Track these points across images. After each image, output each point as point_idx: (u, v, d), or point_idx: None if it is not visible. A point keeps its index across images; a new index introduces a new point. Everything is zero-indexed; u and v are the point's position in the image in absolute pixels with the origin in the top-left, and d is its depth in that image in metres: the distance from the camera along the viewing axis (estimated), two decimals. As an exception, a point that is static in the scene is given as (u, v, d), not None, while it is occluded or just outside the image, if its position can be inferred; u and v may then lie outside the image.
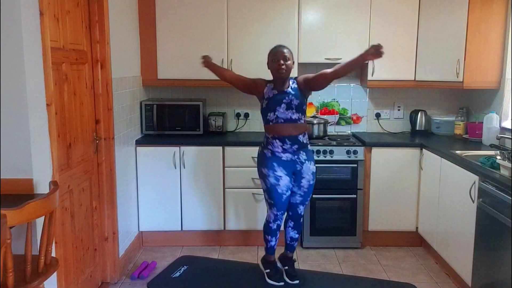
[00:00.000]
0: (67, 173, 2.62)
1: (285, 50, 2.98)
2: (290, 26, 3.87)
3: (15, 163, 2.13)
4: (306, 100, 3.10)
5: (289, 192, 3.10)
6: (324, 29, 3.88)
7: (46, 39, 2.22)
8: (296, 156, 3.05)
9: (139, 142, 3.79)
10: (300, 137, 3.04)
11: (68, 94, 2.60)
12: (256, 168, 3.73)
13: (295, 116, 3.00)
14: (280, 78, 2.99)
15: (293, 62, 3.04)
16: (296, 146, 3.03)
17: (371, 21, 3.87)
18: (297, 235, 3.27)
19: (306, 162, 3.08)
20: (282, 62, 2.94)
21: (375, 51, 2.73)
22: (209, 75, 3.89)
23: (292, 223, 3.23)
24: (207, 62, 3.23)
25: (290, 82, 3.05)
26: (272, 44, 3.82)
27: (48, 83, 2.24)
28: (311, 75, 3.03)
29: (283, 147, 3.02)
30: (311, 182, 3.14)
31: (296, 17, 3.86)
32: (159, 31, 3.87)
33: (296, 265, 3.40)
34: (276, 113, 2.99)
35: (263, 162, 3.10)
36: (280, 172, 3.04)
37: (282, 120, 3.00)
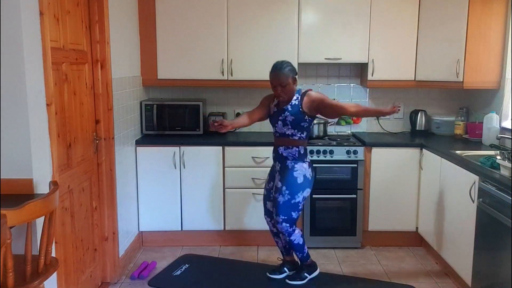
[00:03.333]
0: (67, 173, 2.62)
1: (281, 75, 2.94)
2: (290, 26, 3.86)
3: (15, 163, 2.13)
4: (308, 117, 3.04)
5: (271, 197, 3.20)
6: (324, 29, 3.88)
7: (46, 39, 2.21)
8: (278, 164, 3.16)
9: (139, 142, 3.79)
10: (280, 149, 3.09)
11: (68, 94, 2.60)
12: (256, 168, 3.79)
13: (289, 131, 3.06)
14: (282, 101, 3.07)
15: (294, 80, 3.01)
16: (274, 154, 3.17)
17: (371, 21, 3.86)
18: (287, 239, 3.13)
19: (277, 173, 3.15)
20: (279, 89, 2.97)
21: (392, 111, 2.92)
22: (209, 75, 3.93)
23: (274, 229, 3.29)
24: (225, 126, 2.98)
25: (294, 98, 3.05)
26: (272, 44, 3.85)
27: (48, 83, 2.24)
28: (328, 101, 3.01)
29: (273, 155, 3.19)
30: (280, 187, 3.04)
31: (296, 17, 3.86)
32: (159, 31, 3.87)
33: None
34: (276, 128, 3.12)
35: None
36: (268, 176, 3.27)
37: (278, 134, 3.12)
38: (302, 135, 3.06)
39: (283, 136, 3.08)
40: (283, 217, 3.03)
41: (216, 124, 2.96)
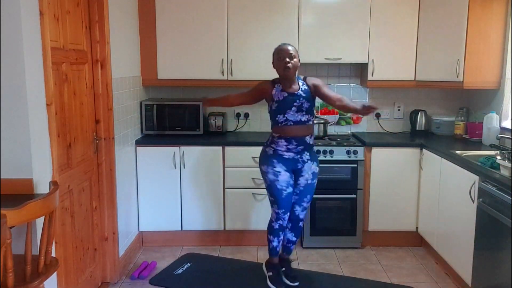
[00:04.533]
0: (67, 173, 2.62)
1: (290, 48, 2.92)
2: (290, 26, 3.86)
3: (15, 163, 2.13)
4: (315, 101, 3.07)
5: (290, 189, 3.04)
6: (324, 29, 3.88)
7: (46, 39, 2.22)
8: (299, 156, 3.03)
9: (139, 142, 3.79)
10: (307, 139, 3.04)
11: (68, 94, 2.60)
12: (256, 168, 3.75)
13: (304, 118, 2.98)
14: (286, 76, 2.94)
15: (299, 60, 2.98)
16: (301, 147, 3.02)
17: (371, 21, 3.86)
18: (294, 238, 3.21)
19: (308, 161, 3.06)
20: (287, 60, 2.88)
21: (366, 112, 2.84)
22: (209, 75, 3.93)
23: (290, 224, 3.18)
24: (207, 102, 3.16)
25: (300, 83, 2.99)
26: (272, 44, 3.82)
27: (48, 83, 2.24)
28: (323, 88, 3.00)
29: (288, 146, 3.00)
30: (309, 182, 3.09)
31: (296, 17, 3.86)
32: (159, 31, 3.87)
33: (296, 265, 3.39)
34: (286, 115, 2.96)
35: (263, 160, 3.09)
36: (279, 168, 3.01)
37: (292, 123, 2.97)
38: (313, 119, 3.08)
39: (300, 124, 2.97)
40: (310, 201, 3.16)
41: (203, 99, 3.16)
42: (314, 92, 3.01)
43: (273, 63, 2.99)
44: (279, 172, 3.01)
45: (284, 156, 3.02)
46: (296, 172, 3.08)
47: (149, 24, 3.87)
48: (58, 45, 2.48)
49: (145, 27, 3.87)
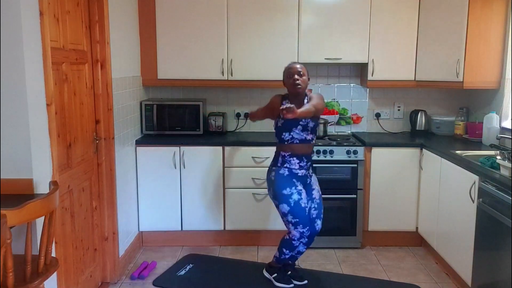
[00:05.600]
0: (67, 173, 2.62)
1: (298, 66, 3.00)
2: (290, 26, 3.86)
3: (15, 163, 2.13)
4: (319, 121, 3.14)
5: (309, 204, 3.11)
6: (324, 29, 3.87)
7: (46, 39, 2.22)
8: (307, 172, 3.13)
9: (139, 142, 3.79)
10: (313, 156, 3.16)
11: (68, 94, 2.60)
12: (256, 168, 3.77)
13: (309, 137, 3.04)
14: (297, 93, 2.99)
15: (308, 78, 3.03)
16: (310, 163, 3.12)
17: (371, 21, 3.86)
18: (304, 250, 3.13)
19: (313, 174, 3.23)
20: (297, 77, 2.95)
21: (284, 110, 2.58)
22: (209, 75, 3.93)
23: (306, 240, 3.06)
24: (253, 115, 3.29)
25: (305, 102, 3.02)
26: (273, 44, 3.86)
27: (48, 83, 2.24)
28: (312, 103, 2.89)
29: (300, 164, 3.05)
30: (320, 192, 3.21)
31: (296, 17, 3.86)
32: (159, 31, 3.87)
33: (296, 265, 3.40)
34: (292, 133, 3.01)
35: (284, 182, 3.02)
36: (300, 186, 3.05)
37: (298, 141, 3.01)
38: (315, 138, 3.13)
39: (305, 142, 3.03)
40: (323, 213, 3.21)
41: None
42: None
43: (283, 81, 3.07)
44: (301, 190, 3.05)
45: (299, 174, 3.07)
46: (307, 187, 3.13)
47: (149, 24, 3.87)
48: (58, 45, 2.48)
49: (145, 27, 3.87)
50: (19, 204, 1.72)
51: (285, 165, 3.04)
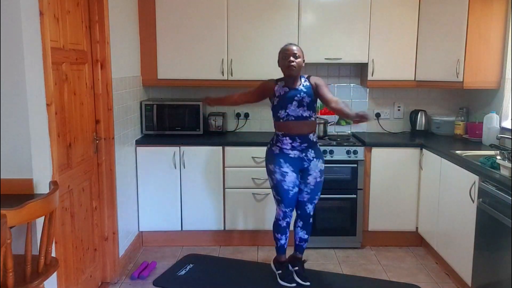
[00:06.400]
0: (67, 173, 2.62)
1: (295, 48, 3.00)
2: (290, 26, 3.86)
3: (15, 163, 2.13)
4: (317, 99, 3.10)
5: (296, 188, 3.11)
6: (324, 29, 3.87)
7: (46, 39, 2.21)
8: (304, 154, 3.08)
9: (139, 142, 3.79)
10: (310, 136, 3.08)
11: (68, 94, 2.60)
12: (256, 168, 3.77)
13: (306, 113, 3.03)
14: (291, 75, 3.01)
15: (304, 60, 3.05)
16: (305, 145, 3.07)
17: (371, 21, 3.86)
18: (306, 236, 3.27)
19: (314, 159, 3.11)
20: (292, 59, 2.96)
21: (360, 117, 2.78)
22: (209, 75, 3.93)
23: (301, 222, 3.25)
24: (210, 101, 3.33)
25: (302, 80, 3.07)
26: (273, 44, 3.85)
27: (48, 83, 2.24)
28: (323, 89, 3.03)
29: (292, 144, 3.05)
30: (318, 180, 3.15)
31: (296, 17, 3.86)
32: (159, 31, 3.87)
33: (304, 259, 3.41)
34: (287, 110, 3.02)
35: (270, 159, 3.13)
36: (286, 168, 3.06)
37: (293, 118, 3.02)
38: (315, 116, 3.12)
39: (301, 119, 3.02)
40: (317, 200, 3.19)
41: (205, 100, 3.26)
42: (315, 90, 3.06)
43: (278, 61, 3.08)
44: (286, 173, 3.06)
45: (290, 155, 3.06)
46: (303, 171, 3.13)
47: (149, 24, 3.87)
48: (58, 45, 2.48)
49: (145, 27, 3.87)
50: (19, 204, 1.72)
51: (277, 144, 3.11)
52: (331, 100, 3.00)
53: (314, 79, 3.09)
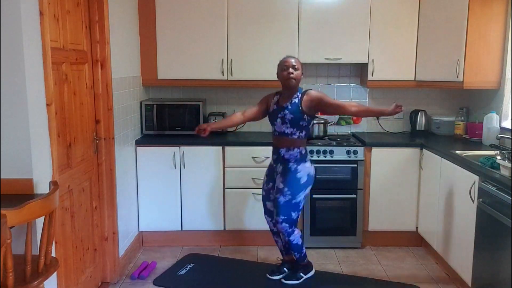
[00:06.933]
0: (67, 173, 2.62)
1: (293, 60, 3.04)
2: (290, 26, 3.86)
3: (15, 163, 2.13)
4: (307, 116, 3.03)
5: (271, 197, 3.19)
6: (324, 29, 3.87)
7: (46, 39, 2.22)
8: (275, 165, 3.18)
9: (139, 142, 3.79)
10: (282, 151, 3.08)
11: (68, 94, 2.60)
12: (256, 168, 3.79)
13: (288, 130, 3.06)
14: (289, 87, 3.03)
15: (302, 73, 3.06)
16: (275, 156, 3.16)
17: (371, 21, 3.86)
18: (286, 238, 3.15)
19: (278, 175, 3.12)
20: (291, 70, 2.99)
21: (394, 111, 2.97)
22: (209, 75, 3.93)
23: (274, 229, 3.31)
24: (207, 130, 3.04)
25: (294, 96, 3.05)
26: (273, 43, 3.86)
27: (48, 83, 2.24)
28: (326, 99, 3.03)
29: (273, 156, 3.20)
30: (276, 195, 3.07)
31: (296, 17, 3.86)
32: (159, 31, 3.87)
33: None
34: (275, 126, 3.12)
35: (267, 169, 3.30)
36: (266, 177, 3.26)
37: (277, 133, 3.12)
38: (301, 134, 3.06)
39: (283, 135, 3.07)
40: (283, 217, 3.05)
41: (196, 129, 3.07)
42: (310, 105, 3.02)
43: (277, 74, 3.10)
44: (265, 182, 3.26)
45: (273, 166, 3.22)
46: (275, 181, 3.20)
47: (149, 24, 3.87)
48: (58, 45, 2.48)
49: (145, 27, 3.87)
50: (19, 204, 1.72)
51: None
52: (347, 105, 3.01)
53: (311, 96, 3.03)
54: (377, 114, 3.04)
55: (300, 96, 3.04)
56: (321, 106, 3.04)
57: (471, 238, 2.90)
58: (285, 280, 3.24)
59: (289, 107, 3.03)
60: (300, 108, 3.01)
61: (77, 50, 2.76)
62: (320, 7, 3.85)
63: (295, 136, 3.06)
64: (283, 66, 3.03)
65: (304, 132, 3.08)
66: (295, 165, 3.06)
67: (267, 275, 3.31)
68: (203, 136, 3.07)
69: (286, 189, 3.04)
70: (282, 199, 3.04)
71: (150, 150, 3.78)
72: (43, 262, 1.92)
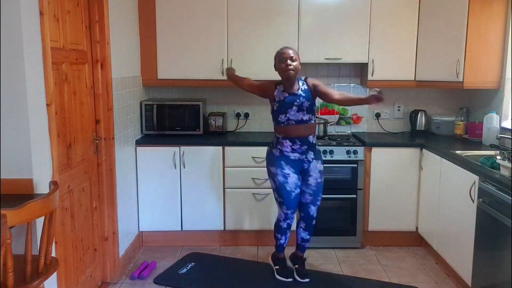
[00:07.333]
0: (67, 173, 2.62)
1: (291, 51, 3.02)
2: (290, 26, 3.86)
3: (15, 163, 2.13)
4: (315, 101, 3.14)
5: (298, 190, 3.14)
6: (324, 29, 3.87)
7: (46, 39, 2.22)
8: (304, 156, 3.11)
9: (139, 142, 3.79)
10: (310, 138, 3.11)
11: (68, 94, 2.60)
12: (256, 168, 3.77)
13: (306, 117, 3.06)
14: (288, 78, 3.03)
15: (300, 62, 3.07)
16: (305, 147, 3.10)
17: (371, 21, 3.86)
18: (308, 237, 3.31)
19: (314, 161, 3.15)
20: (290, 62, 2.98)
21: (375, 99, 2.78)
22: (209, 75, 3.93)
23: (304, 224, 3.28)
24: (230, 74, 3.42)
25: (300, 84, 3.08)
26: (273, 43, 3.84)
27: (48, 83, 2.24)
28: (322, 86, 3.08)
29: (293, 147, 3.09)
30: (319, 181, 3.18)
31: (296, 17, 3.86)
32: (159, 31, 3.87)
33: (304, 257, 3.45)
34: (288, 115, 3.05)
35: (272, 161, 3.16)
36: (288, 170, 3.10)
37: (294, 122, 3.06)
38: (315, 118, 3.15)
39: (302, 123, 3.05)
40: (320, 201, 3.21)
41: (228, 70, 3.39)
42: (314, 91, 3.08)
43: (274, 66, 3.09)
44: (288, 174, 3.09)
45: (291, 158, 3.10)
46: (304, 173, 3.15)
47: (149, 24, 3.87)
48: (58, 45, 2.48)
49: (145, 27, 3.87)
50: (19, 204, 1.72)
51: (277, 146, 3.14)
52: (334, 93, 3.04)
53: (311, 81, 3.12)
54: (357, 102, 2.98)
55: (305, 83, 3.09)
56: (317, 92, 3.08)
57: (471, 238, 2.90)
58: (302, 279, 3.23)
59: (303, 94, 3.04)
60: (311, 93, 3.06)
61: (77, 50, 2.76)
62: (320, 7, 3.85)
63: (312, 122, 3.12)
64: (281, 58, 3.01)
65: (315, 116, 3.16)
66: (318, 146, 3.22)
67: (278, 276, 3.28)
68: (227, 73, 3.42)
69: (322, 169, 3.19)
70: (322, 181, 3.19)
71: (150, 150, 3.78)
72: (43, 262, 1.92)
